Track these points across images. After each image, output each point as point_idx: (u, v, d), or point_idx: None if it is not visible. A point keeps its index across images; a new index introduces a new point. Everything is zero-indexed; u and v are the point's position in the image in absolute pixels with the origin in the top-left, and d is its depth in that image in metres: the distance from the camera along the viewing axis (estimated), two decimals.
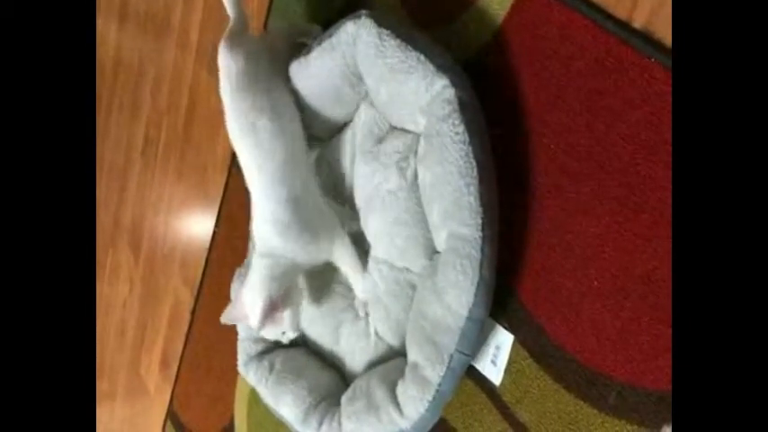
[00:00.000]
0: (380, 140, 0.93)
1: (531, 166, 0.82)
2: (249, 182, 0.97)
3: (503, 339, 0.84)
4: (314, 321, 1.05)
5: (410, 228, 0.88)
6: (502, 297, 0.83)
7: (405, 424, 0.84)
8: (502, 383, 0.84)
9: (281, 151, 0.93)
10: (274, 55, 0.99)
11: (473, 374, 0.87)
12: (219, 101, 0.95)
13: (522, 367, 0.82)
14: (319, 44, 0.93)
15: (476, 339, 0.81)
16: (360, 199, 0.97)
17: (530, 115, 0.82)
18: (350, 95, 0.95)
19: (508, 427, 0.84)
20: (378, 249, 0.95)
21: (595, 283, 0.76)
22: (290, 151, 0.94)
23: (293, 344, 1.08)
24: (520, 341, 0.83)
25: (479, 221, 0.77)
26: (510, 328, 0.84)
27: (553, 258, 0.80)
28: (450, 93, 0.79)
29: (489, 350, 0.85)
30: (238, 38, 0.95)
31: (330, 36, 0.91)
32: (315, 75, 0.95)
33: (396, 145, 0.90)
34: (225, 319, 0.99)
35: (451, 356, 0.80)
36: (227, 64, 0.93)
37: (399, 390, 0.85)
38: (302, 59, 0.96)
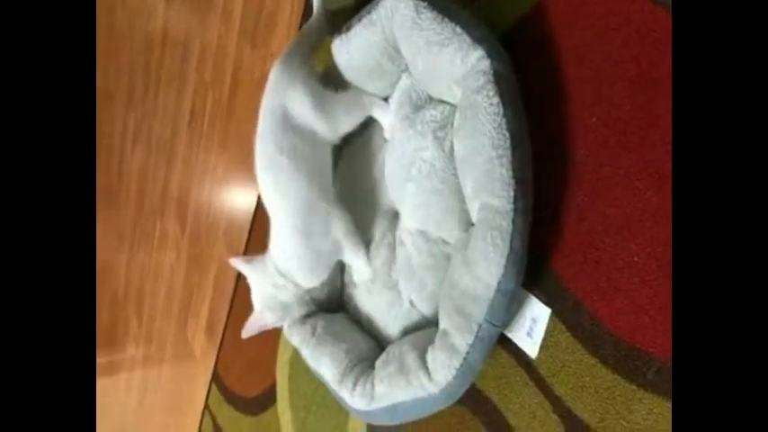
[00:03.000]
0: (418, 108, 0.94)
1: (570, 138, 0.81)
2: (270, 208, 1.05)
3: (539, 312, 0.84)
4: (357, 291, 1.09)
5: (446, 199, 0.88)
6: (538, 270, 0.83)
7: (433, 389, 0.85)
8: (538, 357, 0.84)
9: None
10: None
11: (509, 347, 0.88)
12: (261, 74, 0.97)
13: (559, 341, 0.82)
14: (359, 20, 0.94)
15: (505, 311, 0.81)
16: (395, 166, 0.97)
17: (569, 87, 0.81)
18: (390, 69, 0.96)
19: (544, 400, 0.84)
20: (413, 219, 0.96)
21: (635, 258, 0.75)
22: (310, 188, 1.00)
23: (334, 310, 1.13)
24: (556, 314, 0.82)
25: (511, 193, 0.77)
26: (547, 302, 0.83)
27: (592, 232, 0.79)
28: (485, 64, 0.78)
29: (525, 323, 0.85)
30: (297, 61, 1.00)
31: (369, 12, 0.92)
32: (356, 50, 0.96)
33: (433, 114, 0.90)
34: (247, 332, 1.10)
35: (480, 326, 0.81)
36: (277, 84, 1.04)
37: (429, 356, 0.86)
38: (343, 36, 0.97)
